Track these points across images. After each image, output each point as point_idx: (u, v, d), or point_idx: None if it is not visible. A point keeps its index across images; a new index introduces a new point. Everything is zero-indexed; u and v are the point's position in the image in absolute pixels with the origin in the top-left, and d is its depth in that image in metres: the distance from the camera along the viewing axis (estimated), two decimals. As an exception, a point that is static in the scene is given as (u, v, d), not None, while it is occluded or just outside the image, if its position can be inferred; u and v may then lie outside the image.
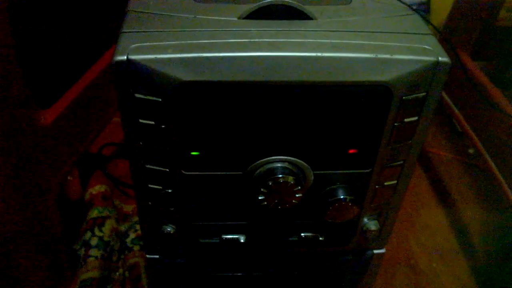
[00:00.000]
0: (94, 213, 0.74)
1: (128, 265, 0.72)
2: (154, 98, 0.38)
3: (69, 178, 0.82)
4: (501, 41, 0.97)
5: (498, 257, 0.85)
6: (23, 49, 0.55)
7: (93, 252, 0.70)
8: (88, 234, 0.72)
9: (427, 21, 0.45)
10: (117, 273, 0.72)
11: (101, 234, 0.72)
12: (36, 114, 0.59)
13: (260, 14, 0.41)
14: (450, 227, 0.90)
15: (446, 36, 0.89)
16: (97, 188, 0.78)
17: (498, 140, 0.81)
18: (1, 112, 0.53)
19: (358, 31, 0.41)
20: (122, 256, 0.74)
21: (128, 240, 0.75)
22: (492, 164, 0.81)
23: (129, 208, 0.81)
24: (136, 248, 0.74)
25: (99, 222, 0.73)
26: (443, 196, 0.96)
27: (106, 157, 0.87)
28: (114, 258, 0.73)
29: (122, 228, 0.77)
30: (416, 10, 0.45)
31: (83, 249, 0.71)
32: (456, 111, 0.91)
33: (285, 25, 0.41)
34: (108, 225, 0.73)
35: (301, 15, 0.42)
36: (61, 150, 0.64)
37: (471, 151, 1.04)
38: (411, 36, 0.41)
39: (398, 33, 0.41)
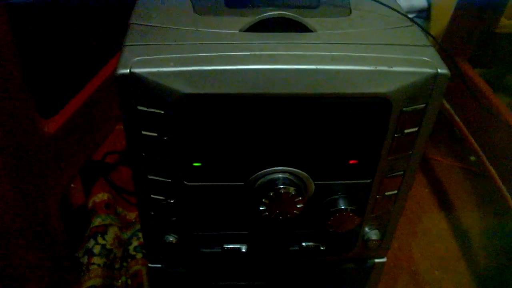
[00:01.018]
0: (97, 221, 0.75)
1: (131, 273, 0.72)
2: (157, 111, 0.39)
3: (72, 185, 0.83)
4: (501, 48, 0.97)
5: (499, 263, 0.85)
6: (26, 59, 0.56)
7: (96, 260, 0.71)
8: (91, 242, 0.72)
9: (426, 32, 0.46)
10: (120, 281, 0.73)
11: (103, 242, 0.72)
12: (39, 123, 0.60)
13: (261, 26, 0.42)
14: (451, 233, 0.90)
15: (446, 44, 0.90)
16: (100, 196, 0.79)
17: (498, 146, 0.81)
18: (4, 122, 0.53)
19: (358, 43, 0.41)
20: (125, 264, 0.74)
21: (131, 247, 0.75)
22: (493, 170, 0.81)
23: (132, 215, 0.82)
24: (138, 256, 0.74)
25: (102, 230, 0.74)
26: (444, 202, 0.97)
27: (109, 165, 0.87)
28: (117, 266, 0.73)
29: (125, 235, 0.78)
30: (414, 21, 0.46)
31: (86, 257, 0.71)
32: (457, 118, 0.92)
33: (285, 38, 0.41)
34: (111, 233, 0.74)
35: (301, 28, 0.42)
36: (64, 159, 0.65)
37: (472, 158, 1.05)
38: (410, 48, 0.42)
39: (397, 45, 0.42)
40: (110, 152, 0.88)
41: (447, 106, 0.93)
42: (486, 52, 0.96)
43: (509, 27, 0.94)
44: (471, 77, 0.85)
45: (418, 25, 0.46)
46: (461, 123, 0.90)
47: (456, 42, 0.89)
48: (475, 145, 0.86)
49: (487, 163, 0.83)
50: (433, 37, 0.70)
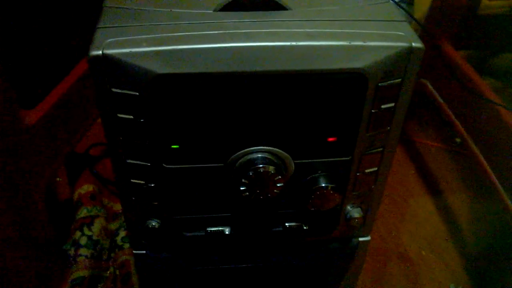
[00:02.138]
0: (83, 213, 0.74)
1: (119, 263, 0.72)
2: (131, 92, 0.38)
3: (57, 179, 0.82)
4: (483, 30, 0.98)
5: (486, 243, 0.86)
6: (5, 50, 0.55)
7: (83, 251, 0.70)
8: (78, 233, 0.72)
9: (407, 13, 0.46)
10: (108, 272, 0.73)
11: (90, 233, 0.72)
12: (20, 114, 0.59)
13: (235, 6, 0.42)
14: (438, 216, 0.91)
15: (429, 27, 0.90)
16: (85, 188, 0.78)
17: (483, 128, 0.82)
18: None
19: (333, 20, 0.41)
20: (112, 255, 0.74)
21: (118, 238, 0.75)
22: (478, 152, 0.82)
23: (118, 207, 0.81)
24: (126, 246, 0.74)
25: (88, 221, 0.73)
26: (431, 185, 0.97)
27: (94, 157, 0.87)
28: (105, 257, 0.73)
29: (112, 226, 0.78)
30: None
31: (73, 249, 0.71)
32: (441, 100, 0.92)
33: (260, 16, 0.41)
34: (97, 224, 0.73)
35: (276, 6, 0.42)
36: (47, 150, 0.64)
37: (458, 140, 1.05)
38: (385, 23, 0.42)
39: (372, 20, 0.42)
40: (94, 144, 0.88)
41: (431, 88, 0.93)
42: (469, 34, 0.97)
43: (491, 8, 0.94)
44: (454, 59, 0.85)
45: (394, 1, 0.45)
46: (445, 105, 0.91)
47: (439, 24, 0.89)
48: (460, 127, 0.87)
49: (472, 145, 0.84)
50: (415, 19, 0.70)
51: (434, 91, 0.93)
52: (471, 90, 0.80)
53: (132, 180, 0.45)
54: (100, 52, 0.37)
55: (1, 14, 0.66)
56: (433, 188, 0.96)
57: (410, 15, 0.44)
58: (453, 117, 0.88)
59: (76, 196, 0.78)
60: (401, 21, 0.42)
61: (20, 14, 0.69)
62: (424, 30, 0.59)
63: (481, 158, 0.81)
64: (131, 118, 0.40)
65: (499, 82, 0.99)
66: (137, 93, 0.38)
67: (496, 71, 1.00)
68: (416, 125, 1.11)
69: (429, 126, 1.12)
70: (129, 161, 0.43)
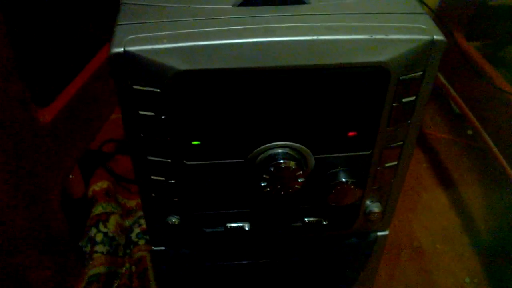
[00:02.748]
0: (98, 210, 0.75)
1: (134, 259, 0.72)
2: (152, 89, 0.38)
3: (71, 176, 0.83)
4: (495, 21, 0.97)
5: (500, 235, 0.86)
6: (20, 48, 0.55)
7: (99, 248, 0.71)
8: (93, 230, 0.72)
9: (421, 2, 0.45)
10: (124, 268, 0.73)
11: (106, 230, 0.72)
12: (35, 113, 0.59)
13: (254, 0, 0.41)
14: (451, 208, 0.90)
15: (440, 16, 0.89)
16: (99, 185, 0.79)
17: (496, 119, 0.81)
18: (0, 112, 0.53)
19: (353, 13, 0.41)
20: (128, 251, 0.74)
21: (133, 234, 0.75)
22: (491, 143, 0.82)
23: (132, 203, 0.82)
24: (141, 242, 0.74)
25: (104, 218, 0.74)
26: (444, 178, 0.97)
27: (107, 154, 0.87)
28: (120, 253, 0.73)
29: (127, 223, 0.78)
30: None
31: (88, 246, 0.71)
32: (453, 92, 0.92)
33: (279, 11, 0.41)
34: (113, 220, 0.74)
35: (295, 0, 0.42)
36: (62, 148, 0.65)
37: (469, 132, 1.05)
38: (405, 16, 0.41)
39: (392, 13, 0.41)
40: (107, 140, 0.88)
41: (443, 80, 0.93)
42: (481, 25, 0.96)
43: (503, -2, 0.93)
44: (467, 50, 0.85)
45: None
46: (458, 97, 0.90)
47: (451, 15, 0.89)
48: (473, 118, 0.86)
49: (485, 136, 0.83)
50: (430, 8, 0.70)
51: (446, 83, 0.93)
52: (486, 79, 0.79)
53: (152, 177, 0.45)
54: (122, 49, 0.37)
55: (14, 12, 0.66)
56: (446, 181, 0.96)
57: (426, 5, 0.44)
58: (466, 109, 0.87)
59: (90, 193, 0.78)
60: (421, 13, 0.42)
61: (32, 12, 0.69)
62: (438, 19, 0.58)
63: (495, 149, 0.81)
64: (152, 115, 0.40)
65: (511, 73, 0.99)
66: (158, 90, 0.38)
67: (509, 61, 0.99)
68: (427, 118, 1.10)
69: (440, 119, 1.11)
70: (149, 157, 0.43)
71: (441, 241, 0.84)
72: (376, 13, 0.41)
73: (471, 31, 0.93)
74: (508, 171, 0.77)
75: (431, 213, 0.89)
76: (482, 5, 0.94)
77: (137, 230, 0.76)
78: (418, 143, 1.04)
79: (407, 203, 0.90)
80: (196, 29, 0.38)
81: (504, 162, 0.78)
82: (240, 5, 0.41)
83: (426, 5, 0.46)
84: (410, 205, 0.90)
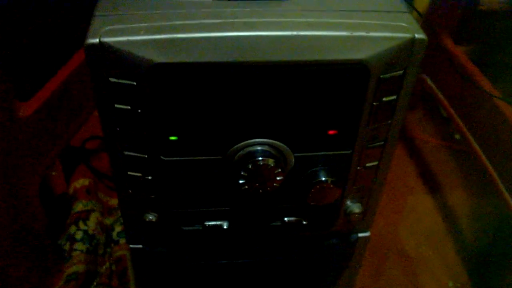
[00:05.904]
0: (78, 207, 0.74)
1: (115, 258, 0.71)
2: (129, 82, 0.37)
3: (52, 172, 0.81)
4: (483, 25, 0.97)
5: (486, 240, 0.86)
6: (0, 42, 0.54)
7: (78, 246, 0.70)
8: (73, 228, 0.71)
9: (411, 5, 0.45)
10: (104, 267, 0.72)
11: (85, 228, 0.71)
12: (15, 106, 0.58)
13: (235, -5, 0.41)
14: (437, 212, 0.90)
15: (429, 20, 0.89)
16: (80, 182, 0.77)
17: (483, 123, 0.81)
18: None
19: (334, 10, 0.40)
20: (108, 250, 0.73)
21: (114, 233, 0.74)
22: (478, 148, 0.82)
23: (114, 201, 0.81)
24: (122, 241, 0.73)
25: (84, 216, 0.73)
26: (430, 182, 0.97)
27: (90, 150, 0.86)
28: (100, 252, 0.72)
29: (108, 221, 0.77)
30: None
31: (68, 243, 0.70)
32: (441, 96, 0.92)
33: (260, 5, 0.40)
34: (93, 218, 0.73)
35: (277, -5, 0.41)
36: (42, 142, 0.64)
37: (457, 136, 1.05)
38: (387, 14, 0.41)
39: (374, 11, 0.41)
40: (90, 137, 0.87)
41: (431, 84, 0.93)
42: (469, 30, 0.96)
43: (492, 3, 0.93)
44: (455, 54, 0.85)
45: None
46: (445, 101, 0.90)
47: (439, 19, 0.89)
48: (460, 123, 0.86)
49: (472, 141, 0.83)
50: (416, 10, 0.70)
51: (434, 87, 0.93)
52: (473, 83, 0.79)
53: (129, 173, 0.44)
54: (97, 40, 0.36)
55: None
56: (432, 185, 0.96)
57: (411, 5, 0.44)
58: (453, 112, 0.87)
59: (71, 190, 0.77)
60: (404, 12, 0.41)
61: (13, 7, 0.68)
62: (426, 22, 0.58)
63: (481, 154, 0.81)
64: (128, 109, 0.39)
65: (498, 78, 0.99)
66: (135, 83, 0.37)
67: (496, 66, 0.99)
68: (415, 122, 1.10)
69: (428, 123, 1.11)
70: (126, 153, 0.42)
71: (425, 245, 0.84)
72: (359, 11, 0.41)
73: (460, 35, 0.93)
74: (494, 176, 0.77)
75: (417, 216, 0.89)
76: (471, 10, 0.95)
77: (118, 228, 0.74)
78: (405, 146, 1.04)
79: (392, 205, 0.90)
80: (174, 21, 0.37)
81: (490, 167, 0.78)
82: (221, -1, 0.41)
83: (416, 10, 0.45)
84: (396, 208, 0.90)
